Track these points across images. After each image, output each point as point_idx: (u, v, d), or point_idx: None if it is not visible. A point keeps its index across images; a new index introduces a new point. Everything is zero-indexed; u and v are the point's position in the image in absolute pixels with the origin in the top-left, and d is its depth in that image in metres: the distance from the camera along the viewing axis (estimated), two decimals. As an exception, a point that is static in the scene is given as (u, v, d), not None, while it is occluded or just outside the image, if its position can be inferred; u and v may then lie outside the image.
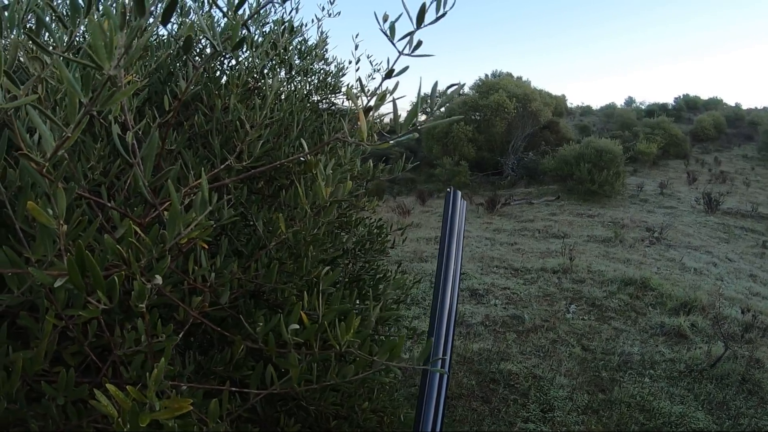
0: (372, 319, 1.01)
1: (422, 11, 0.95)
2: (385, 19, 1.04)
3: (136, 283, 0.76)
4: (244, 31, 1.33)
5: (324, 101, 2.71)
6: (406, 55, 1.05)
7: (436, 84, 0.98)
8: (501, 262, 9.00)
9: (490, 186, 21.15)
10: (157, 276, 0.75)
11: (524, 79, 29.19)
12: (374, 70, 2.90)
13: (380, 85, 1.10)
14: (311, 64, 2.45)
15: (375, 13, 1.05)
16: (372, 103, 1.05)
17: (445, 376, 1.27)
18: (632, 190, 18.18)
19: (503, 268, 8.63)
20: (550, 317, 6.30)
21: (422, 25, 0.98)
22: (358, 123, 0.91)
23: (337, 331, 0.91)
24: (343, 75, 2.72)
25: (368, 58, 2.87)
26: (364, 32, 2.75)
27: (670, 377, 4.94)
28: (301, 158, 1.38)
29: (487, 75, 30.43)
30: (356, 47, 2.68)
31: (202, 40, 1.96)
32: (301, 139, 1.24)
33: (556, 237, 11.58)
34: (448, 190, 1.51)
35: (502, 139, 22.69)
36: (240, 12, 1.35)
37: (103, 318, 1.04)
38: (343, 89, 2.71)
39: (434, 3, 0.94)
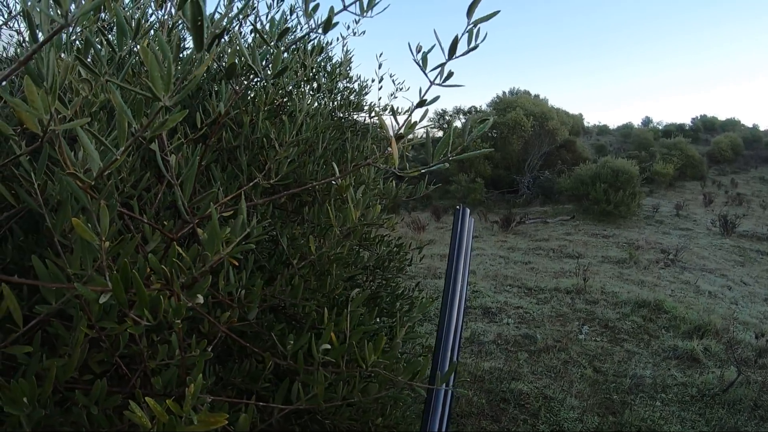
0: (398, 341, 1.04)
1: (454, 44, 0.98)
2: (418, 50, 1.07)
3: (172, 299, 0.79)
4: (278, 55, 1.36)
5: (346, 119, 2.75)
6: (438, 84, 1.08)
7: (468, 119, 1.01)
8: (514, 281, 8.98)
9: (505, 204, 21.12)
10: (199, 296, 0.78)
11: (542, 97, 29.21)
12: (397, 89, 2.94)
13: (411, 112, 1.13)
14: (336, 83, 2.49)
15: (409, 44, 1.08)
16: (402, 130, 1.08)
17: (450, 393, 1.29)
18: (648, 211, 18.07)
19: (516, 287, 8.61)
20: (562, 338, 6.27)
21: (454, 57, 1.01)
22: (389, 149, 0.94)
23: (365, 351, 0.94)
24: (366, 93, 2.76)
25: (391, 77, 2.92)
26: (387, 51, 2.78)
27: (681, 401, 4.89)
28: (332, 182, 1.41)
29: (504, 92, 30.51)
30: (380, 66, 2.71)
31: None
32: (333, 163, 1.27)
33: (570, 257, 11.53)
34: (458, 207, 1.53)
35: (519, 157, 22.69)
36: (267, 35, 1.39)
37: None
38: (366, 107, 2.75)
39: (466, 35, 0.98)
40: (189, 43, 1.96)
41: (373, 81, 2.81)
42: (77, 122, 0.69)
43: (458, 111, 29.72)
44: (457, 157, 0.93)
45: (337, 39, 2.75)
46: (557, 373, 5.36)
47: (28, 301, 1.15)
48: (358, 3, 1.10)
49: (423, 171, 0.95)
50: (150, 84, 0.57)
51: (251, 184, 1.40)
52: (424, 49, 1.07)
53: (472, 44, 0.99)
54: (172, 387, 1.11)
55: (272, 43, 1.11)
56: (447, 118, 28.91)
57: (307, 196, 1.91)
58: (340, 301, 1.82)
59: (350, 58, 2.64)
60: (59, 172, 1.05)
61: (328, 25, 1.12)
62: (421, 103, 1.11)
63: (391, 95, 2.97)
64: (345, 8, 1.09)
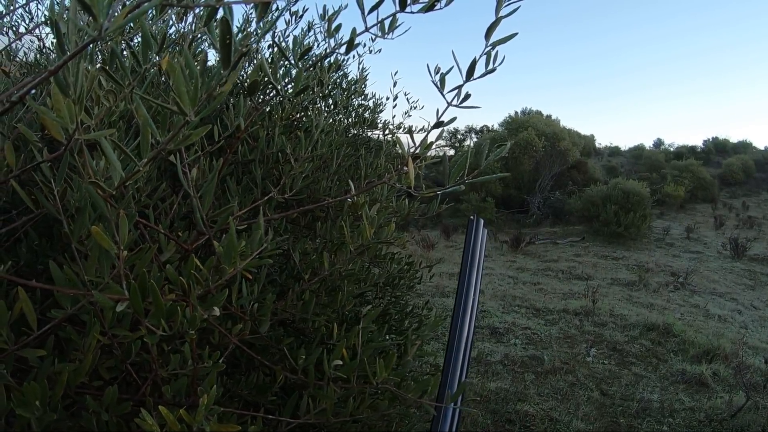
0: (409, 358, 1.04)
1: (472, 66, 1.00)
2: (436, 72, 1.09)
3: (187, 310, 0.80)
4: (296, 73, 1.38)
5: (361, 136, 2.76)
6: (455, 106, 1.09)
7: (484, 142, 1.02)
8: (523, 302, 8.94)
9: (515, 224, 21.08)
10: (215, 308, 0.79)
11: (554, 117, 29.22)
12: (411, 108, 2.96)
13: (428, 132, 1.14)
14: (351, 100, 2.51)
15: (428, 65, 1.10)
16: (419, 150, 1.10)
17: (458, 412, 1.28)
18: (658, 233, 18.00)
19: (525, 308, 8.57)
20: (569, 360, 6.22)
21: (471, 79, 1.02)
22: (405, 168, 0.95)
23: (376, 367, 0.94)
24: (381, 111, 2.78)
25: (406, 95, 2.94)
26: (402, 70, 2.80)
27: (689, 426, 4.82)
28: (348, 199, 1.43)
29: (516, 112, 30.58)
30: (395, 84, 2.73)
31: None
32: (349, 180, 1.28)
33: (579, 278, 11.48)
34: (471, 217, 1.51)
35: (530, 177, 22.69)
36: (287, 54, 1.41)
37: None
38: (380, 125, 2.77)
39: (483, 57, 0.99)
40: (209, 55, 1.98)
41: (387, 99, 2.84)
42: (102, 132, 0.71)
43: (470, 130, 29.81)
44: (472, 180, 0.94)
45: (353, 57, 2.77)
46: (564, 395, 5.31)
47: (40, 305, 1.16)
48: (379, 25, 1.12)
49: (439, 192, 0.96)
50: (177, 98, 0.59)
51: (266, 198, 1.41)
52: (442, 70, 1.08)
53: (490, 66, 1.00)
54: (181, 397, 1.11)
55: (294, 62, 1.13)
56: (459, 137, 29.01)
57: (320, 212, 1.92)
58: (350, 318, 1.82)
59: (366, 75, 2.66)
60: (79, 180, 1.07)
61: (350, 46, 1.14)
62: (439, 123, 1.12)
63: (405, 113, 2.99)
64: (367, 29, 1.11)
